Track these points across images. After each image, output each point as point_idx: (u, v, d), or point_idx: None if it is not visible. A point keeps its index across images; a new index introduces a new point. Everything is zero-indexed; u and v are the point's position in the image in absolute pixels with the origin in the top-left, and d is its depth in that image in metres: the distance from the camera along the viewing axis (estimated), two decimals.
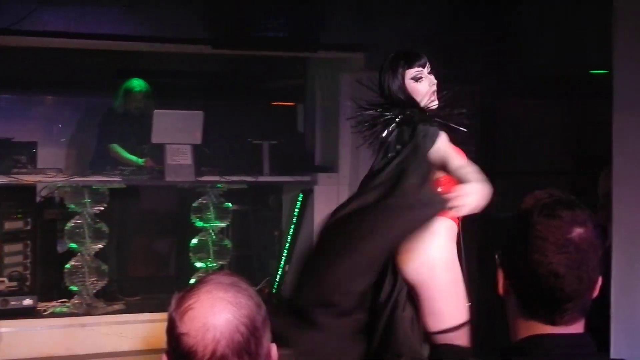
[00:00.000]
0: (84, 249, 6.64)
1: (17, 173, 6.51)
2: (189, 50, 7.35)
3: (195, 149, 6.83)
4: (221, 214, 7.12)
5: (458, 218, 3.54)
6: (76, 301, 6.63)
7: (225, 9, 6.71)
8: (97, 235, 6.67)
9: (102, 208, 6.73)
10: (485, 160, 5.66)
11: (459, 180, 3.34)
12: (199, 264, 7.06)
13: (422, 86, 3.65)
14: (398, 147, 3.55)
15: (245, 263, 7.73)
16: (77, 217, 6.66)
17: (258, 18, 6.77)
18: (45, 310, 6.57)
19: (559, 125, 8.02)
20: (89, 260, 6.65)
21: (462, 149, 3.60)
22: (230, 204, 7.20)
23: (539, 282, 1.69)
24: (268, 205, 7.97)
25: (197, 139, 6.84)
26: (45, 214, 7.00)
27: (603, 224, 4.74)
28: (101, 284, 6.70)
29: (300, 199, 7.46)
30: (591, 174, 6.15)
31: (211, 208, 7.06)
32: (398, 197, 3.36)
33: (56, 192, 7.05)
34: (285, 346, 3.12)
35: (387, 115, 3.59)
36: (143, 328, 6.46)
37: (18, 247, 6.62)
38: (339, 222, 3.50)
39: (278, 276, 7.59)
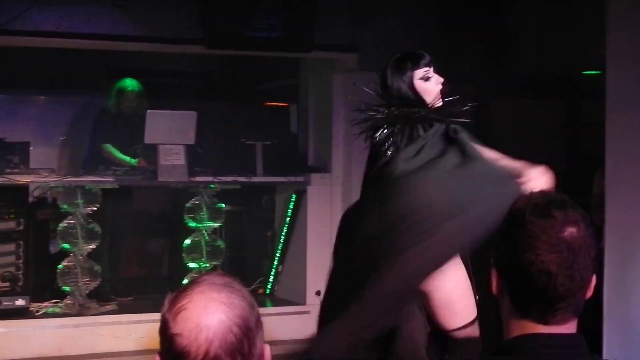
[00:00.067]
0: (77, 250, 6.63)
1: (10, 173, 6.50)
2: (182, 50, 7.34)
3: (189, 149, 6.82)
4: (214, 215, 7.11)
5: None
6: (69, 302, 6.62)
7: (218, 9, 6.70)
8: (89, 236, 6.66)
9: (95, 208, 6.71)
10: None
11: None
12: (192, 265, 7.06)
13: (431, 85, 3.70)
14: (400, 144, 3.56)
15: (239, 263, 7.73)
16: (69, 217, 6.65)
17: (251, 18, 6.77)
18: (37, 311, 6.56)
19: (553, 125, 8.04)
20: (82, 261, 6.64)
21: None
22: (223, 205, 7.19)
23: (531, 281, 1.69)
24: (261, 205, 7.97)
25: (191, 139, 6.83)
26: (38, 214, 6.99)
27: (597, 224, 4.75)
28: (94, 284, 6.69)
29: (293, 199, 7.46)
30: (585, 174, 6.18)
31: (204, 208, 7.06)
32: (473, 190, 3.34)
33: (49, 192, 7.04)
34: None
35: (392, 114, 3.61)
36: (136, 328, 6.45)
37: (10, 247, 6.61)
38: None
39: (271, 276, 7.59)
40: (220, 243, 7.19)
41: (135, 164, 6.97)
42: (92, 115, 7.44)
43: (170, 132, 6.75)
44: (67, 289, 6.61)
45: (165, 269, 8.23)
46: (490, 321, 3.52)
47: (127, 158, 7.01)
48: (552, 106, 8.10)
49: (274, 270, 7.58)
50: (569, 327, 1.72)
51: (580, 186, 5.91)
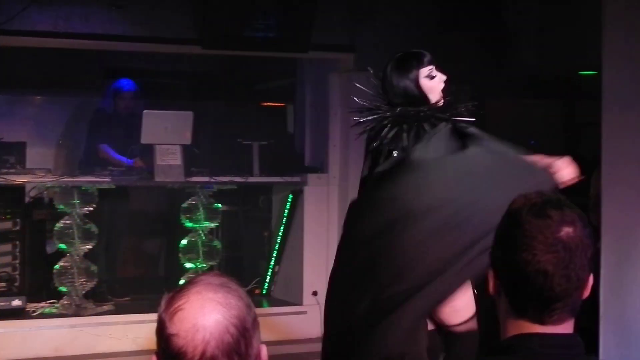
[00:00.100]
0: (73, 250, 6.62)
1: (6, 173, 6.49)
2: (179, 50, 7.34)
3: (185, 149, 6.82)
4: (211, 215, 7.11)
5: None
6: (65, 302, 6.61)
7: (216, 10, 6.69)
8: (86, 236, 6.65)
9: (92, 208, 6.71)
10: None
11: None
12: (188, 265, 7.05)
13: (435, 83, 3.75)
14: (407, 144, 3.59)
15: (235, 264, 7.72)
16: (66, 217, 6.64)
17: (248, 18, 6.76)
18: (34, 311, 6.55)
19: (549, 125, 8.05)
20: (78, 261, 6.63)
21: None
22: (219, 205, 7.19)
23: (528, 281, 1.69)
24: (258, 205, 7.96)
25: (187, 139, 6.83)
26: (34, 215, 6.98)
27: (595, 224, 4.76)
28: (90, 284, 6.69)
29: (290, 199, 7.46)
30: (583, 174, 6.17)
31: (201, 209, 7.05)
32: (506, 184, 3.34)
33: (45, 192, 7.03)
34: None
35: (399, 114, 3.63)
36: (132, 329, 6.45)
37: (7, 247, 6.60)
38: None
39: (268, 277, 7.59)
40: (217, 243, 7.18)
41: (132, 164, 6.96)
42: (88, 115, 7.44)
43: (167, 132, 6.74)
44: (63, 289, 6.61)
45: (162, 270, 8.22)
46: (486, 319, 3.55)
47: (123, 158, 7.01)
48: (548, 106, 8.11)
49: (270, 270, 7.58)
50: (566, 327, 1.73)
51: (579, 186, 5.91)
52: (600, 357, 4.85)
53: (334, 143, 7.30)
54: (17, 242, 6.62)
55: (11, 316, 6.36)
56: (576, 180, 3.56)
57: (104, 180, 6.70)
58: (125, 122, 7.14)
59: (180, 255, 7.08)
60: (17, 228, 6.63)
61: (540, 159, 3.60)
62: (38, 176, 6.63)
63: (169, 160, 6.71)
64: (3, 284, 6.50)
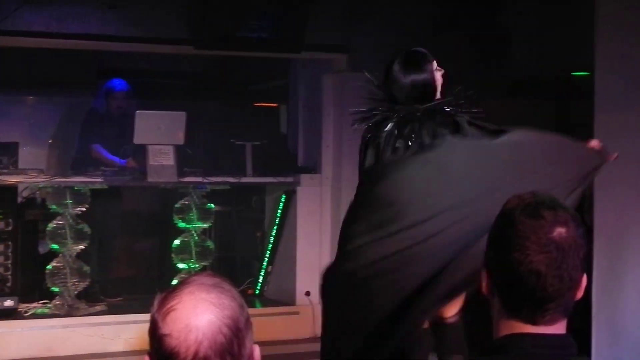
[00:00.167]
0: (66, 250, 6.61)
1: None
2: (172, 50, 7.34)
3: (178, 149, 6.81)
4: (204, 215, 7.11)
5: None
6: (58, 302, 6.60)
7: (209, 10, 6.69)
8: (78, 236, 6.64)
9: (84, 209, 6.70)
10: None
11: None
12: (181, 265, 7.05)
13: (440, 76, 3.84)
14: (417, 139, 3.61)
15: (228, 264, 7.72)
16: (58, 217, 6.63)
17: (241, 19, 6.76)
18: (26, 312, 6.54)
19: (542, 125, 8.05)
20: (71, 261, 6.62)
21: None
22: (212, 205, 7.19)
23: (521, 281, 1.70)
24: (251, 206, 7.96)
25: (180, 139, 6.82)
26: (27, 215, 6.97)
27: (589, 225, 4.77)
28: (83, 285, 6.68)
29: (283, 199, 7.46)
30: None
31: (194, 209, 7.05)
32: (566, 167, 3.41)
33: (38, 192, 7.02)
34: None
35: (412, 110, 3.65)
36: (125, 329, 6.44)
37: None
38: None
39: (261, 277, 7.59)
40: (210, 243, 7.18)
41: (124, 165, 6.95)
42: (81, 115, 7.42)
43: (160, 133, 6.74)
44: (56, 289, 6.60)
45: (155, 270, 8.20)
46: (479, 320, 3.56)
47: (115, 158, 7.00)
48: (540, 106, 8.12)
49: (263, 270, 7.58)
50: (558, 328, 1.73)
51: None
52: (592, 357, 4.86)
53: (327, 144, 7.31)
54: (10, 243, 6.60)
55: (3, 316, 6.35)
56: (615, 156, 3.68)
57: (97, 181, 6.69)
58: (118, 122, 7.13)
59: (173, 255, 7.07)
60: (10, 228, 6.61)
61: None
62: (31, 176, 6.61)
63: (162, 160, 6.70)
64: None
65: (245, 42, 6.85)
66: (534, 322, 1.71)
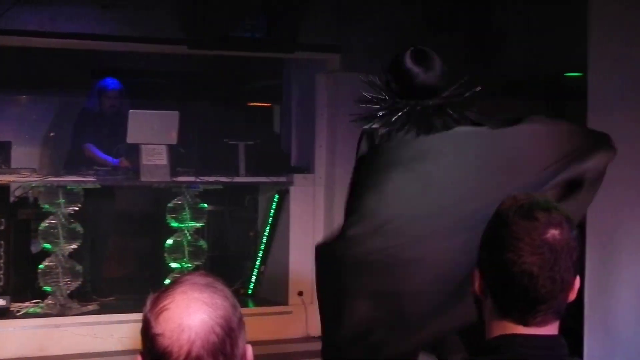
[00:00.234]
0: (58, 249, 6.60)
1: None
2: (164, 50, 7.33)
3: (171, 149, 6.81)
4: (196, 215, 7.10)
5: None
6: (50, 302, 6.59)
7: (201, 10, 6.68)
8: (71, 236, 6.63)
9: (77, 208, 6.69)
10: None
11: None
12: (174, 265, 7.04)
13: None
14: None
15: (221, 264, 7.71)
16: (51, 217, 6.62)
17: (234, 18, 6.75)
18: (18, 311, 6.52)
19: None
20: (63, 261, 6.61)
21: None
22: (205, 205, 7.18)
23: (513, 281, 1.70)
24: (244, 205, 7.96)
25: (173, 139, 6.81)
26: (19, 214, 6.95)
27: (583, 227, 4.77)
28: (75, 284, 6.66)
29: (276, 199, 7.46)
30: None
31: (186, 208, 7.04)
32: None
33: (30, 192, 7.00)
34: None
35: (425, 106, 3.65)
36: (117, 329, 6.43)
37: None
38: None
39: (254, 277, 7.58)
40: (203, 243, 7.17)
41: (117, 164, 6.94)
42: (74, 115, 7.41)
43: (153, 132, 6.73)
44: (48, 289, 6.58)
45: (147, 269, 8.20)
46: None
47: (108, 158, 6.99)
48: (537, 107, 8.12)
49: (256, 270, 7.57)
50: (550, 329, 1.73)
51: None
52: (584, 357, 4.87)
53: (320, 143, 7.31)
54: (2, 242, 6.58)
55: None
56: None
57: (89, 180, 6.68)
58: (111, 122, 7.12)
59: (165, 255, 7.07)
60: (2, 228, 6.59)
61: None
62: (23, 176, 6.60)
63: (155, 160, 6.70)
64: None
65: (238, 41, 6.85)
66: (526, 323, 1.72)
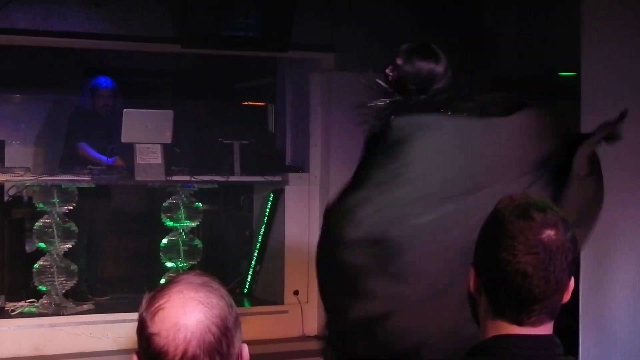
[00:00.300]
0: (53, 249, 6.59)
1: None
2: (158, 49, 7.32)
3: (166, 148, 6.80)
4: (192, 214, 7.09)
5: None
6: (45, 301, 6.58)
7: (195, 8, 6.68)
8: (66, 235, 6.62)
9: (71, 207, 6.68)
10: None
11: None
12: (169, 264, 7.04)
13: None
14: None
15: (216, 263, 7.71)
16: (45, 216, 6.61)
17: (228, 17, 6.75)
18: (13, 310, 6.51)
19: None
20: (58, 260, 6.60)
21: None
22: (200, 204, 7.18)
23: (507, 281, 1.71)
24: (239, 205, 7.96)
25: (167, 138, 6.81)
26: (13, 213, 6.94)
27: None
28: (70, 283, 6.66)
29: (271, 198, 7.46)
30: None
31: (181, 208, 7.03)
32: None
33: (24, 191, 6.99)
34: None
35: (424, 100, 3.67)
36: (113, 328, 6.43)
37: None
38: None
39: (249, 276, 7.58)
40: (198, 242, 7.17)
41: (111, 163, 6.93)
42: (68, 113, 7.40)
43: (147, 131, 6.72)
44: (43, 288, 6.58)
45: (143, 269, 8.20)
46: None
47: (102, 157, 6.97)
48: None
49: (252, 269, 7.57)
50: (544, 329, 1.74)
51: None
52: (579, 356, 4.88)
53: (315, 143, 7.31)
54: None
55: None
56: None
57: (84, 179, 6.67)
58: (105, 121, 7.11)
59: (161, 254, 7.06)
60: None
61: None
62: (17, 175, 6.58)
63: (150, 159, 6.69)
64: None
65: (232, 40, 6.84)
66: (520, 323, 1.72)
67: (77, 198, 6.69)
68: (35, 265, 6.59)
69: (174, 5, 6.80)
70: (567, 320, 4.67)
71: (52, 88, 8.38)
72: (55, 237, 6.58)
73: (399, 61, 3.76)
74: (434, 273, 3.23)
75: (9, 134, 7.91)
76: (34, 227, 6.62)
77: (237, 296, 7.27)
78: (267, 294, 7.44)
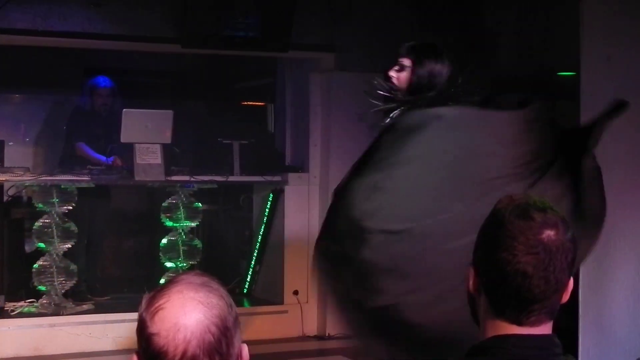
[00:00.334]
0: (52, 249, 6.60)
1: None
2: (158, 49, 7.32)
3: (165, 148, 6.80)
4: (191, 214, 7.09)
5: None
6: (44, 301, 6.58)
7: (195, 8, 6.68)
8: (65, 235, 6.62)
9: (71, 207, 6.68)
10: None
11: None
12: (169, 264, 7.04)
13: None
14: None
15: (216, 263, 7.71)
16: (45, 216, 6.61)
17: (228, 17, 6.75)
18: (13, 310, 6.51)
19: None
20: (58, 260, 6.60)
21: None
22: (200, 204, 7.18)
23: (507, 281, 1.70)
24: (238, 205, 7.96)
25: (167, 138, 6.81)
26: (13, 213, 6.94)
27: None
28: (70, 283, 6.66)
29: (270, 198, 7.46)
30: None
31: (181, 208, 7.03)
32: None
33: (24, 191, 6.99)
34: None
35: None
36: (112, 328, 6.43)
37: None
38: None
39: (249, 276, 7.58)
40: (198, 242, 7.17)
41: (109, 162, 6.92)
42: (67, 113, 7.40)
43: (147, 131, 6.72)
44: (42, 288, 6.58)
45: (142, 269, 8.20)
46: None
47: (100, 156, 6.97)
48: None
49: (251, 269, 7.57)
50: (544, 329, 1.74)
51: None
52: (579, 356, 4.88)
53: (315, 143, 7.31)
54: None
55: None
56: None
57: (83, 179, 6.67)
58: (104, 120, 7.11)
59: (160, 254, 7.06)
60: None
61: None
62: (16, 175, 6.58)
63: (149, 159, 6.69)
64: None
65: (232, 40, 6.84)
66: (519, 323, 1.72)
67: (76, 198, 6.70)
68: (34, 265, 6.59)
69: (174, 5, 6.80)
70: (567, 320, 4.68)
71: (52, 88, 8.38)
72: (55, 237, 6.58)
73: (406, 62, 3.76)
74: (443, 272, 3.24)
75: (9, 134, 7.90)
76: (34, 227, 6.62)
77: (237, 296, 7.27)
78: (267, 294, 7.44)
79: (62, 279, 6.59)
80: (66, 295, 6.68)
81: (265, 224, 7.49)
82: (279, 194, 7.40)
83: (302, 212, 7.23)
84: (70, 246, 6.67)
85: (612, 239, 4.84)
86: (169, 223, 7.05)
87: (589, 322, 4.95)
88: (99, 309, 6.80)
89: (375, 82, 3.82)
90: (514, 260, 1.69)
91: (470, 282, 1.79)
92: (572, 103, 5.23)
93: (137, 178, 6.68)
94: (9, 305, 6.54)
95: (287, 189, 7.30)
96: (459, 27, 7.14)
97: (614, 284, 4.89)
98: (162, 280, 6.52)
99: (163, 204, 7.07)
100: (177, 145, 7.20)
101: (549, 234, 1.70)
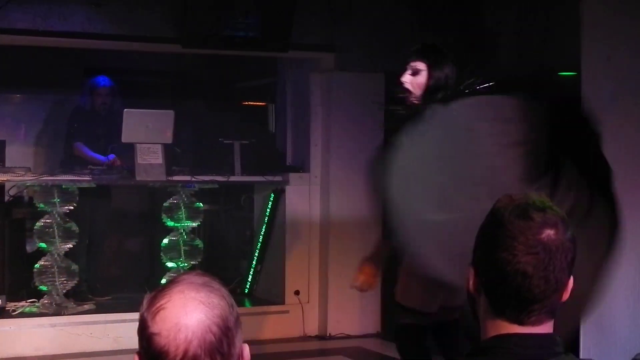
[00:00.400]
0: (54, 249, 6.60)
1: None
2: (159, 49, 7.32)
3: (166, 148, 6.80)
4: (192, 214, 7.10)
5: None
6: (46, 301, 6.58)
7: (195, 8, 6.68)
8: (66, 235, 6.63)
9: (72, 207, 6.68)
10: None
11: None
12: (170, 264, 7.04)
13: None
14: None
15: (217, 263, 7.72)
16: (46, 216, 6.62)
17: (228, 17, 6.75)
18: (14, 310, 6.52)
19: None
20: (59, 260, 6.61)
21: None
22: (201, 204, 7.18)
23: (507, 280, 1.71)
24: (239, 205, 7.96)
25: (168, 138, 6.81)
26: (14, 213, 6.95)
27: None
28: (71, 283, 6.66)
29: (271, 198, 7.46)
30: None
31: (182, 208, 7.04)
32: None
33: (25, 191, 7.00)
34: None
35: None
36: (113, 328, 6.43)
37: None
38: None
39: (250, 276, 7.59)
40: (199, 242, 7.17)
41: (108, 161, 6.92)
42: (68, 113, 7.40)
43: (148, 131, 6.72)
44: (44, 288, 6.58)
45: (143, 269, 8.20)
46: None
47: (98, 156, 6.96)
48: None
49: (252, 269, 7.58)
50: (544, 328, 1.74)
51: None
52: (580, 355, 4.88)
53: (316, 142, 7.31)
54: None
55: None
56: None
57: (85, 179, 6.67)
58: (104, 120, 7.12)
59: (161, 254, 7.06)
60: None
61: None
62: (17, 175, 6.59)
63: (150, 159, 6.69)
64: None
65: (232, 40, 6.84)
66: (520, 323, 1.72)
67: (77, 198, 6.70)
68: (36, 265, 6.60)
69: (174, 5, 6.80)
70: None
71: (52, 88, 8.38)
72: (56, 237, 6.59)
73: (421, 66, 3.78)
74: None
75: (10, 134, 7.90)
76: (35, 227, 6.63)
77: (238, 296, 7.27)
78: (268, 294, 7.45)
79: (63, 279, 6.60)
80: (67, 295, 6.68)
81: (267, 223, 7.49)
82: (280, 193, 7.40)
83: (303, 212, 7.23)
84: (71, 246, 6.67)
85: None
86: (170, 223, 7.05)
87: (589, 322, 4.94)
88: (100, 309, 6.80)
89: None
90: (514, 260, 1.70)
91: (470, 282, 1.80)
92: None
93: (138, 178, 6.69)
94: (10, 305, 6.54)
95: (288, 189, 7.30)
96: (459, 27, 7.15)
97: (615, 283, 4.89)
98: (163, 280, 6.52)
99: (164, 204, 7.07)
100: (178, 146, 7.20)
101: (548, 233, 1.71)
